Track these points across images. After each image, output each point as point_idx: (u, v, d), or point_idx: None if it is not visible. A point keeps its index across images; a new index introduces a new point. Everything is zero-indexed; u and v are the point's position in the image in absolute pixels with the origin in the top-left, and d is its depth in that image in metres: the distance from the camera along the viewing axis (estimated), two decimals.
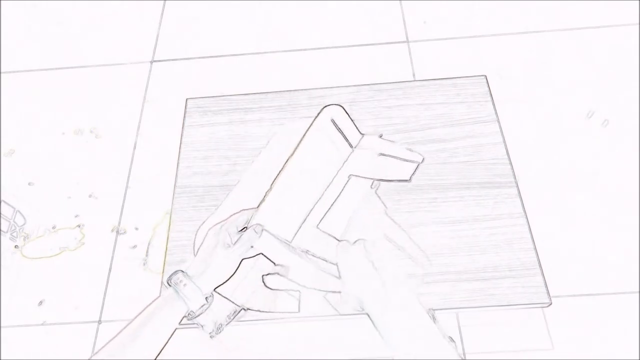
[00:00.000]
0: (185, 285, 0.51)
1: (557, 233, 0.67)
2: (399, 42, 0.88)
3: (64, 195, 0.77)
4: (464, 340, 0.61)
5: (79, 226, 0.74)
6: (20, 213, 0.75)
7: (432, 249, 0.62)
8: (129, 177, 0.78)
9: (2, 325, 0.67)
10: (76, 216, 0.75)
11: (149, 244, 0.71)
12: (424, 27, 0.89)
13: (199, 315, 0.52)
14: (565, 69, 0.81)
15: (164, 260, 0.66)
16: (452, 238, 0.63)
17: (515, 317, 0.62)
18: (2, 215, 0.74)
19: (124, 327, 0.50)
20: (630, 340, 0.60)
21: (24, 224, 0.74)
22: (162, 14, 0.97)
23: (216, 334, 0.54)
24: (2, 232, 0.73)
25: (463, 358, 0.56)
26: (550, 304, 0.59)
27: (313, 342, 0.62)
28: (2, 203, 0.75)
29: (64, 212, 0.75)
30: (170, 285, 0.52)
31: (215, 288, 0.53)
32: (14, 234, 0.73)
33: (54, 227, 0.74)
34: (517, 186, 0.66)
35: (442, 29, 0.88)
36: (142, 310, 0.51)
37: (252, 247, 0.55)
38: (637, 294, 0.62)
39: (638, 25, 0.84)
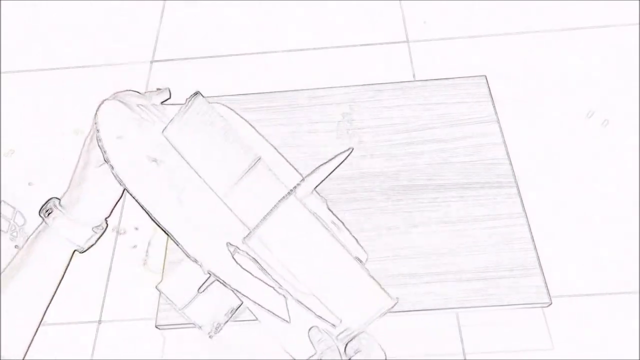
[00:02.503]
0: (54, 218, 0.44)
1: (557, 233, 0.67)
2: (399, 42, 0.88)
3: None
4: (464, 340, 0.61)
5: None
6: (20, 213, 0.75)
7: (432, 249, 0.62)
8: None
9: None
10: None
11: (149, 244, 0.71)
12: (424, 27, 0.89)
13: (89, 247, 0.46)
14: (565, 69, 0.81)
15: (164, 260, 0.66)
16: (452, 238, 0.63)
17: (515, 317, 0.61)
18: (2, 215, 0.74)
19: None
20: (630, 340, 0.60)
21: (24, 224, 0.74)
22: (162, 14, 0.97)
23: (215, 333, 0.54)
24: (2, 232, 0.73)
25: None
26: (550, 304, 0.59)
27: None
28: (2, 203, 0.75)
29: None
30: (41, 217, 0.45)
31: (107, 217, 0.47)
32: (14, 234, 0.73)
33: None
34: (517, 186, 0.66)
35: (442, 29, 0.88)
36: (15, 254, 0.45)
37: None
38: (637, 294, 0.62)
39: (638, 25, 0.84)
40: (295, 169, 0.53)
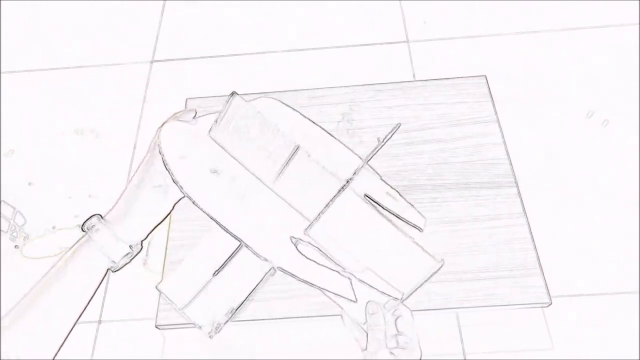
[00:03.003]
0: (97, 230, 0.45)
1: (557, 233, 0.67)
2: (399, 42, 0.88)
3: (64, 195, 0.77)
4: (464, 340, 0.61)
5: (79, 226, 0.74)
6: (20, 213, 0.75)
7: (432, 249, 0.62)
8: (129, 177, 0.78)
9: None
10: (76, 216, 0.74)
11: (149, 244, 0.71)
12: (424, 27, 0.89)
13: (123, 266, 0.48)
14: (565, 69, 0.81)
15: (164, 260, 0.66)
16: (452, 238, 0.63)
17: (515, 317, 0.61)
18: (2, 215, 0.74)
19: (33, 288, 0.44)
20: (630, 340, 0.60)
21: (24, 224, 0.74)
22: (162, 14, 0.97)
23: (215, 333, 0.54)
24: (2, 232, 0.73)
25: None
26: (550, 304, 0.59)
27: (315, 341, 0.62)
28: (2, 203, 0.75)
29: (64, 212, 0.75)
30: (84, 232, 0.46)
31: (147, 236, 0.49)
32: (14, 234, 0.73)
33: (54, 227, 0.74)
34: (517, 186, 0.66)
35: (442, 29, 0.88)
36: (54, 264, 0.45)
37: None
38: (637, 294, 0.62)
39: (638, 25, 0.84)
40: (349, 148, 0.56)
